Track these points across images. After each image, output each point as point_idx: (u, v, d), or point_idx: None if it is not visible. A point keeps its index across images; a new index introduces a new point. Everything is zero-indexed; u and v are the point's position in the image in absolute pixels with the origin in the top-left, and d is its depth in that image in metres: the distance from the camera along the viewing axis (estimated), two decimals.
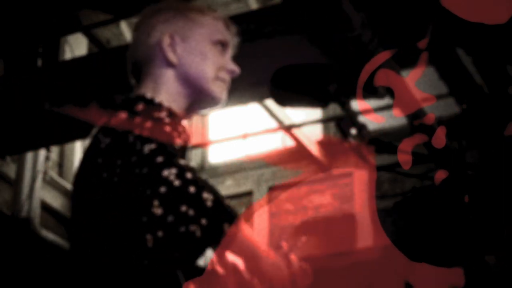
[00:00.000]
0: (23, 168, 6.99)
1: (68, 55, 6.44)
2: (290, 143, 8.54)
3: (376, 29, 4.05)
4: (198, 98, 1.94)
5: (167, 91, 1.90)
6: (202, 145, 9.18)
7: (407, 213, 2.85)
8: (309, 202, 8.40)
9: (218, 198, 1.68)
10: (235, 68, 1.99)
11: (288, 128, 7.94)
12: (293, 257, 1.87)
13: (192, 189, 1.66)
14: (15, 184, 7.04)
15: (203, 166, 9.25)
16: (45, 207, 7.37)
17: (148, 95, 1.87)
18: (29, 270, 6.81)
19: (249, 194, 8.82)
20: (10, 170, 7.21)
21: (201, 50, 1.95)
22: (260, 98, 5.42)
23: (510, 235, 2.73)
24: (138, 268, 1.68)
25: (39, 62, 5.26)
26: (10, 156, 6.98)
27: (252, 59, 4.20)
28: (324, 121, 8.34)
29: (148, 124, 1.75)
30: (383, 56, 3.63)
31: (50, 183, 7.58)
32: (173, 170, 1.68)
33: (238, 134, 8.59)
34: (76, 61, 5.54)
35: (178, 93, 1.91)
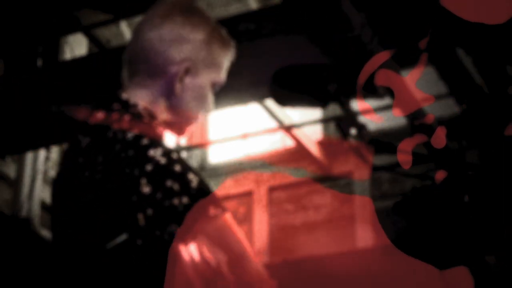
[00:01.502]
0: (23, 168, 6.98)
1: (68, 55, 6.43)
2: (290, 143, 8.54)
3: (376, 29, 4.05)
4: (171, 129, 1.93)
5: (152, 108, 1.89)
6: (202, 145, 9.18)
7: (407, 213, 2.84)
8: (309, 202, 8.40)
9: (202, 181, 1.72)
10: (212, 108, 1.97)
11: (288, 128, 7.94)
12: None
13: (177, 167, 1.70)
14: (15, 184, 7.04)
15: (203, 166, 9.25)
16: (45, 207, 7.37)
17: (124, 96, 1.86)
18: (29, 270, 6.81)
19: (249, 194, 8.82)
20: (10, 170, 7.20)
21: (202, 90, 1.92)
22: (260, 98, 5.41)
23: (510, 235, 2.72)
24: (133, 248, 1.68)
25: (39, 62, 5.26)
26: (10, 156, 6.98)
27: (252, 59, 4.19)
28: (324, 121, 8.33)
29: (127, 117, 1.76)
30: (383, 56, 3.63)
31: (50, 183, 7.57)
32: (159, 150, 1.70)
33: (238, 134, 8.58)
34: (76, 61, 5.54)
35: (162, 117, 1.89)
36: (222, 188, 8.80)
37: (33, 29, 5.21)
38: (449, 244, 2.79)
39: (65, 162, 1.84)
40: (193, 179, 1.70)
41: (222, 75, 1.95)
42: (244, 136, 8.53)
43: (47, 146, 6.74)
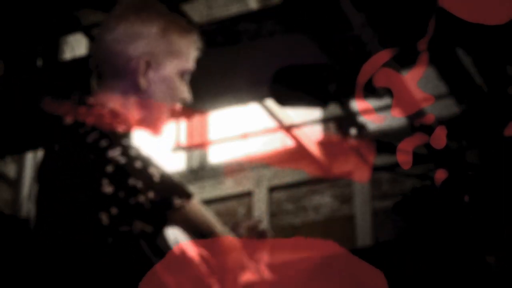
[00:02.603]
0: (23, 168, 6.99)
1: (68, 55, 6.44)
2: (290, 143, 8.55)
3: (376, 29, 4.05)
4: (144, 125, 1.94)
5: (123, 108, 1.90)
6: (202, 145, 9.19)
7: (407, 213, 2.84)
8: (309, 202, 8.40)
9: (164, 174, 1.73)
10: (188, 97, 1.97)
11: (288, 128, 7.94)
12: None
13: (138, 164, 1.71)
14: (15, 184, 7.04)
15: (203, 166, 9.25)
16: None
17: (91, 100, 1.88)
18: (29, 270, 6.81)
19: (249, 194, 8.82)
20: (10, 170, 7.21)
21: (170, 81, 1.93)
22: (260, 98, 5.41)
23: (510, 235, 2.72)
24: (104, 247, 1.70)
25: (39, 62, 5.26)
26: (10, 156, 6.98)
27: (252, 59, 4.19)
28: (324, 121, 8.34)
29: (90, 119, 1.77)
30: (383, 56, 3.63)
31: None
32: (118, 150, 1.72)
33: (238, 134, 8.59)
34: (76, 61, 5.54)
35: (135, 116, 1.91)
36: (222, 188, 8.80)
37: (33, 29, 5.21)
38: (449, 244, 2.79)
39: (41, 169, 1.86)
40: (154, 172, 1.71)
41: (188, 63, 1.96)
42: (244, 136, 8.52)
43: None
